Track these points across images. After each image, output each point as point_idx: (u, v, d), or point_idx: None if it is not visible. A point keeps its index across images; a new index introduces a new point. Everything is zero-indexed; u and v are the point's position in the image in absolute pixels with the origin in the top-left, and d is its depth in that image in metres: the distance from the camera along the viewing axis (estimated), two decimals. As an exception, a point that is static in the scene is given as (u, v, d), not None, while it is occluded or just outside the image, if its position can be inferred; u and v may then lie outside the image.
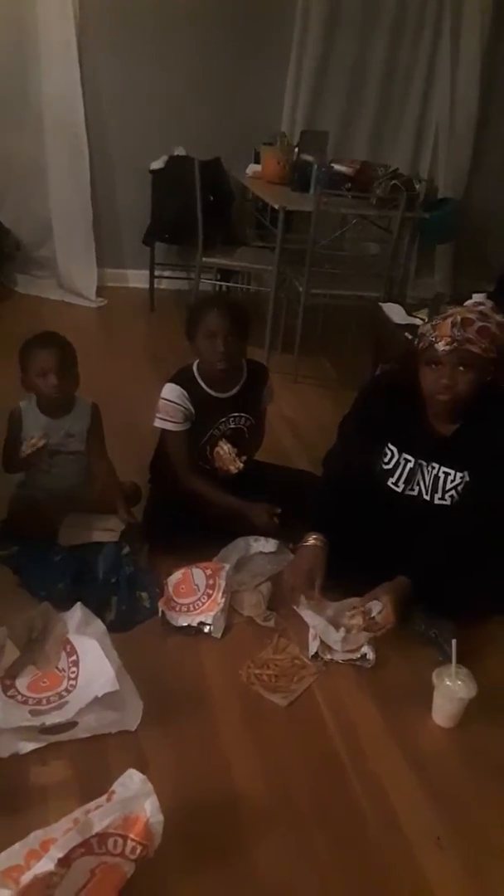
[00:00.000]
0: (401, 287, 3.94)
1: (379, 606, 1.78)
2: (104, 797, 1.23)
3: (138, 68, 4.13)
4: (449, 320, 1.76)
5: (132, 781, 1.25)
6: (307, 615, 1.87)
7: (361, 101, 4.44)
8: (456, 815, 1.47)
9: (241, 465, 2.23)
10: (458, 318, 1.76)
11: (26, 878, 1.10)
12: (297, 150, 3.85)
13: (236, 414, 2.22)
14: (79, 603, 1.72)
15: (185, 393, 2.13)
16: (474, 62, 4.34)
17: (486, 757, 1.61)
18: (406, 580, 1.81)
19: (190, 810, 1.38)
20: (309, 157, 3.65)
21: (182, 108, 4.21)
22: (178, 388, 2.13)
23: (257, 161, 4.06)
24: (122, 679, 1.53)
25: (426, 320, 2.92)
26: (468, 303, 1.88)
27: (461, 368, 1.78)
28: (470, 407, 1.85)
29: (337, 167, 3.51)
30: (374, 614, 1.77)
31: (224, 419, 2.21)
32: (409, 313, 3.00)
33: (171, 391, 2.14)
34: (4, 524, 2.15)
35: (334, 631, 1.81)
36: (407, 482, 1.99)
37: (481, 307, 1.82)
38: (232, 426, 2.23)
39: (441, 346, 1.77)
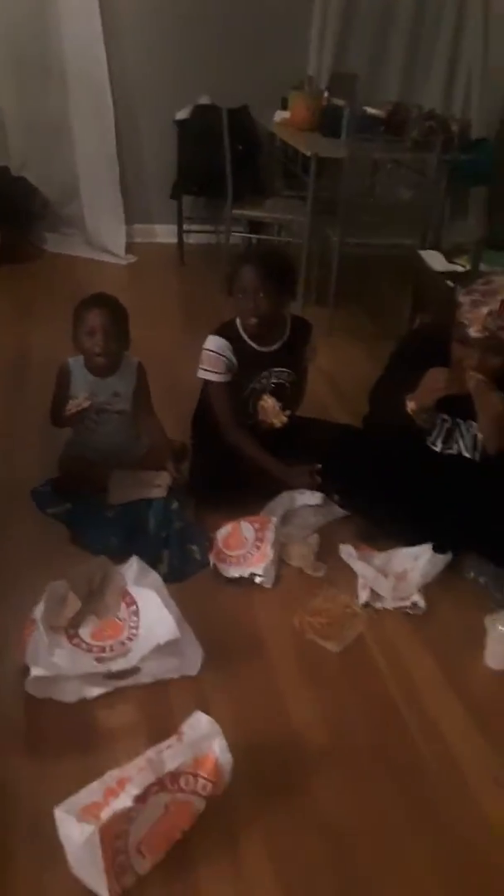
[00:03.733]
0: (436, 232, 3.83)
1: None
2: (174, 738, 1.29)
3: (159, 15, 4.01)
4: (485, 309, 1.74)
5: (200, 723, 1.31)
6: (357, 565, 1.90)
7: (390, 40, 4.27)
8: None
9: (286, 418, 2.24)
10: (496, 307, 1.73)
11: (106, 813, 1.16)
12: (326, 94, 3.73)
13: (279, 368, 2.23)
14: (134, 556, 1.75)
15: (228, 344, 2.15)
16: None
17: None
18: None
19: (253, 750, 1.42)
20: (339, 102, 3.55)
21: (205, 55, 4.08)
22: (221, 339, 2.16)
23: (284, 107, 3.97)
24: (182, 627, 1.57)
25: (466, 267, 2.85)
26: None
27: (490, 353, 1.78)
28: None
29: (370, 111, 3.40)
30: None
31: (266, 373, 2.22)
32: (450, 260, 2.93)
33: (214, 342, 2.16)
34: (55, 482, 2.20)
35: (384, 579, 1.84)
36: (445, 441, 2.00)
37: None
38: (275, 381, 2.24)
39: (473, 332, 1.76)
